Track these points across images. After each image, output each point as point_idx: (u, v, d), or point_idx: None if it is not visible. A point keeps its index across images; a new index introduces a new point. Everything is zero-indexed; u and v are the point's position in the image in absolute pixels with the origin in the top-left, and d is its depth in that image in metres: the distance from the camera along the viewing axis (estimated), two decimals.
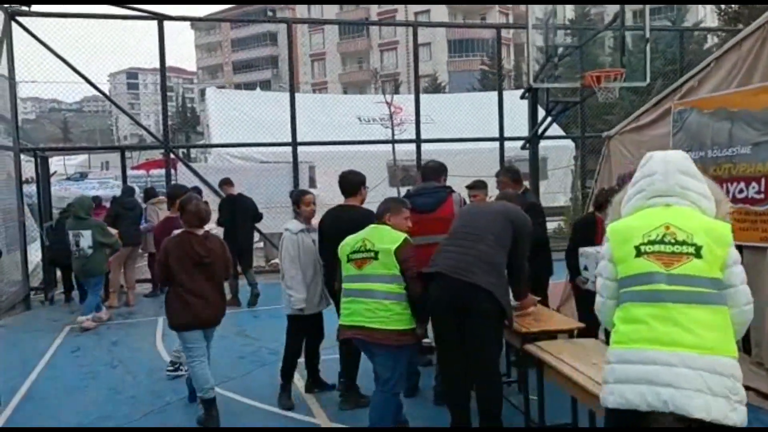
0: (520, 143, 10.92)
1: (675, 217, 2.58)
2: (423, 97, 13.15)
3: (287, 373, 5.22)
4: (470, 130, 13.33)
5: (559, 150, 17.87)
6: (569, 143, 17.49)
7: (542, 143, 10.25)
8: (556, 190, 18.32)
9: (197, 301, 4.68)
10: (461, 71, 48.79)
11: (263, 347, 6.88)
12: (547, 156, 16.62)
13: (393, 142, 12.45)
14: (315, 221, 5.35)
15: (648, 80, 9.43)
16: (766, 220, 4.70)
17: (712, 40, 26.36)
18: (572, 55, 11.75)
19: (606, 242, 2.71)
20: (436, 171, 5.30)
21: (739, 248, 4.56)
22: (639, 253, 2.54)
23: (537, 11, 9.80)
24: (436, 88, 41.67)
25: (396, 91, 19.06)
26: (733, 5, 24.29)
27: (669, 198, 2.65)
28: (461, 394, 4.13)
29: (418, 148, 11.90)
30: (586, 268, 5.09)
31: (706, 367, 2.35)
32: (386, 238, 4.10)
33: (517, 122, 12.39)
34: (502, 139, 12.13)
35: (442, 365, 4.39)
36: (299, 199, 5.33)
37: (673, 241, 2.50)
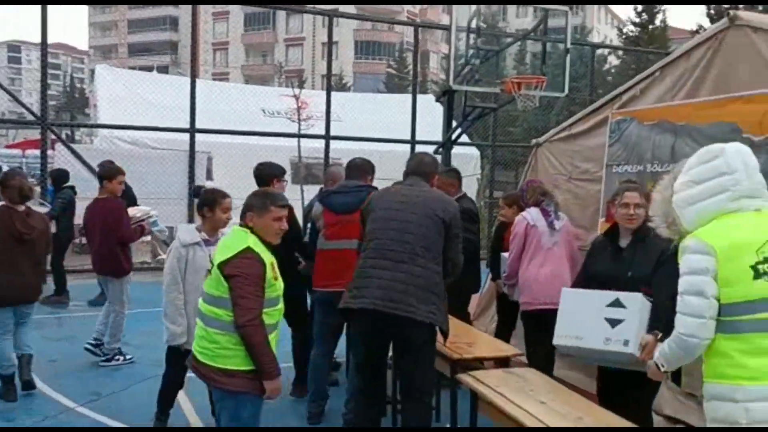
0: (430, 147, 10.66)
1: None
2: (332, 94, 12.56)
3: (164, 405, 4.37)
4: (378, 131, 12.89)
5: (463, 158, 17.69)
6: (474, 151, 17.41)
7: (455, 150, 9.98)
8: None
9: (11, 278, 4.68)
10: (367, 73, 48.54)
11: (145, 357, 5.97)
12: (453, 164, 16.39)
13: (300, 136, 11.71)
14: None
15: (566, 91, 9.29)
16: None
17: (610, 61, 27.37)
18: (489, 62, 11.54)
19: (702, 255, 2.34)
20: (362, 169, 4.69)
21: None
22: (758, 274, 2.26)
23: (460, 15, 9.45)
24: (341, 88, 41.14)
25: (301, 87, 18.30)
26: (633, 28, 25.33)
27: (756, 200, 2.39)
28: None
29: (327, 145, 11.25)
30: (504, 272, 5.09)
31: None
32: (225, 246, 3.10)
33: (424, 128, 12.10)
34: (413, 142, 11.70)
35: (360, 393, 3.81)
36: (215, 202, 4.06)
37: None
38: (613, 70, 26.39)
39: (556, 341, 3.49)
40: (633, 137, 4.99)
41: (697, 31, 21.86)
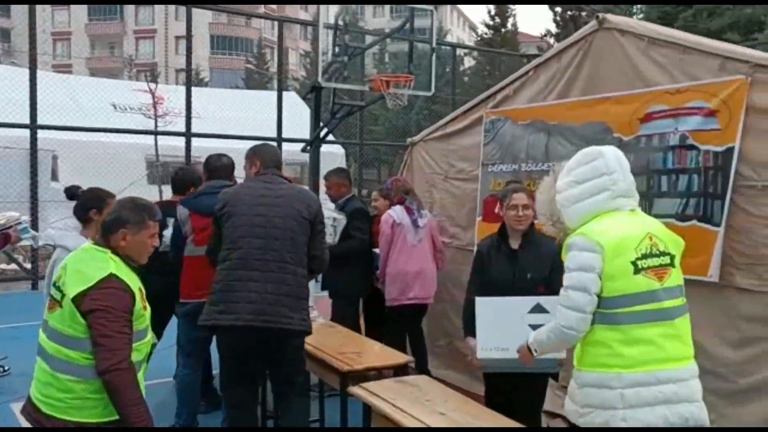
0: (298, 145, 10.40)
1: (649, 224, 2.58)
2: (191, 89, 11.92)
3: None
4: (240, 128, 12.41)
5: (328, 156, 17.53)
6: (338, 149, 17.33)
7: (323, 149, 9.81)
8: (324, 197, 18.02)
9: None
10: (225, 69, 47.09)
11: (23, 374, 5.21)
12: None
13: (158, 133, 11.02)
14: None
15: (433, 90, 9.38)
16: None
17: (466, 63, 28.34)
18: (355, 61, 11.44)
19: (591, 253, 2.47)
20: (228, 168, 4.42)
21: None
22: (637, 270, 2.44)
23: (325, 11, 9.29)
24: (198, 83, 39.59)
25: (155, 81, 17.24)
26: (486, 30, 26.38)
27: (630, 200, 2.59)
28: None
29: (188, 142, 10.63)
30: (377, 268, 5.20)
31: (696, 375, 2.51)
32: (79, 272, 2.48)
33: (286, 125, 11.83)
34: (280, 139, 11.36)
35: (234, 407, 3.57)
36: (102, 202, 3.50)
37: (657, 252, 2.49)
38: (468, 71, 27.35)
39: (480, 355, 3.33)
40: (507, 136, 5.04)
41: (545, 36, 23.21)
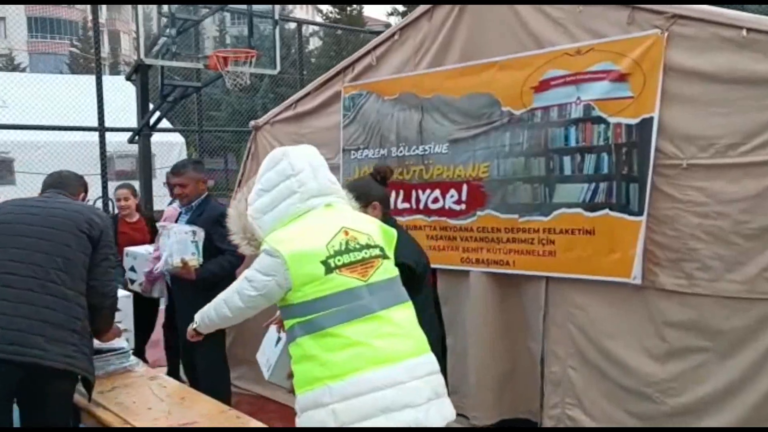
0: (124, 134, 9.05)
1: (344, 218, 2.38)
2: None
3: None
4: (59, 117, 10.66)
5: (165, 146, 15.90)
6: (178, 138, 15.75)
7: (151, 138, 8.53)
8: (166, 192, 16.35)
9: None
10: (46, 53, 42.70)
11: None
12: (155, 152, 14.60)
13: None
14: None
15: (279, 68, 8.34)
16: (468, 236, 3.72)
17: (312, 43, 27.32)
18: (188, 38, 10.08)
19: (273, 258, 2.25)
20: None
21: (434, 272, 3.53)
22: (330, 269, 2.23)
23: None
24: (14, 69, 35.50)
25: None
26: (332, 9, 25.49)
27: (326, 198, 2.41)
28: None
29: None
30: (133, 269, 4.52)
31: (428, 370, 2.24)
32: None
33: (118, 113, 10.38)
34: (102, 129, 9.72)
35: None
36: None
37: (357, 246, 2.30)
38: (315, 52, 26.32)
39: (268, 378, 2.93)
40: (372, 115, 4.14)
41: (391, 14, 22.66)
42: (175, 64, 7.48)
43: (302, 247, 2.25)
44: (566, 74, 3.28)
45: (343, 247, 2.28)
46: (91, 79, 12.06)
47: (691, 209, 2.93)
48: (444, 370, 3.98)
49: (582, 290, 3.33)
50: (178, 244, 3.79)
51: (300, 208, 2.37)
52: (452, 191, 3.77)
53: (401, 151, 3.99)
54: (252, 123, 4.88)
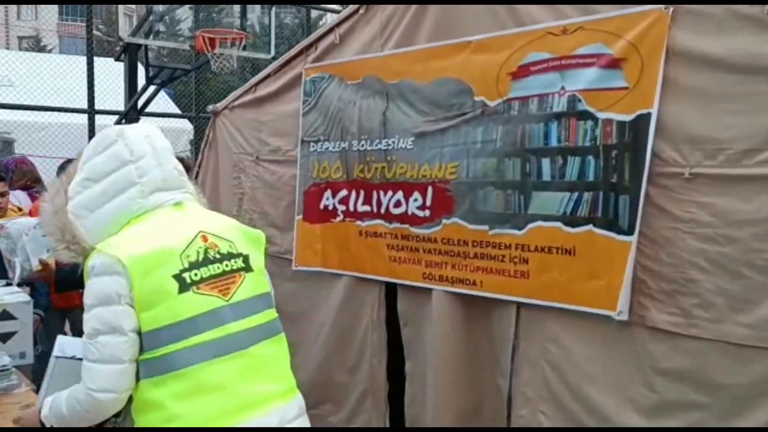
0: (113, 117, 8.68)
1: (203, 219, 1.94)
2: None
3: None
4: (61, 99, 10.31)
5: (173, 132, 15.44)
6: (186, 125, 15.32)
7: (155, 123, 8.05)
8: None
9: None
10: (75, 36, 42.96)
11: None
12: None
13: None
14: None
15: (273, 52, 7.83)
16: (432, 248, 3.15)
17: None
18: (179, 17, 9.57)
19: (110, 276, 1.72)
20: None
21: (393, 287, 3.03)
22: (185, 286, 1.75)
23: None
24: (39, 51, 35.57)
25: None
26: None
27: (174, 192, 1.93)
28: None
29: None
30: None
31: (298, 413, 1.89)
32: None
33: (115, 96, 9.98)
34: (92, 111, 9.30)
35: None
36: None
37: (217, 256, 1.84)
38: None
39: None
40: (333, 102, 3.58)
41: None
42: (158, 43, 7.02)
43: (149, 254, 1.78)
44: (549, 58, 2.69)
45: (201, 258, 1.83)
46: (107, 61, 11.81)
47: (693, 230, 2.33)
48: (401, 400, 3.48)
49: (558, 321, 2.74)
50: (31, 243, 3.21)
51: (142, 206, 1.89)
52: (416, 194, 3.20)
53: (363, 145, 3.43)
54: (210, 107, 4.36)
